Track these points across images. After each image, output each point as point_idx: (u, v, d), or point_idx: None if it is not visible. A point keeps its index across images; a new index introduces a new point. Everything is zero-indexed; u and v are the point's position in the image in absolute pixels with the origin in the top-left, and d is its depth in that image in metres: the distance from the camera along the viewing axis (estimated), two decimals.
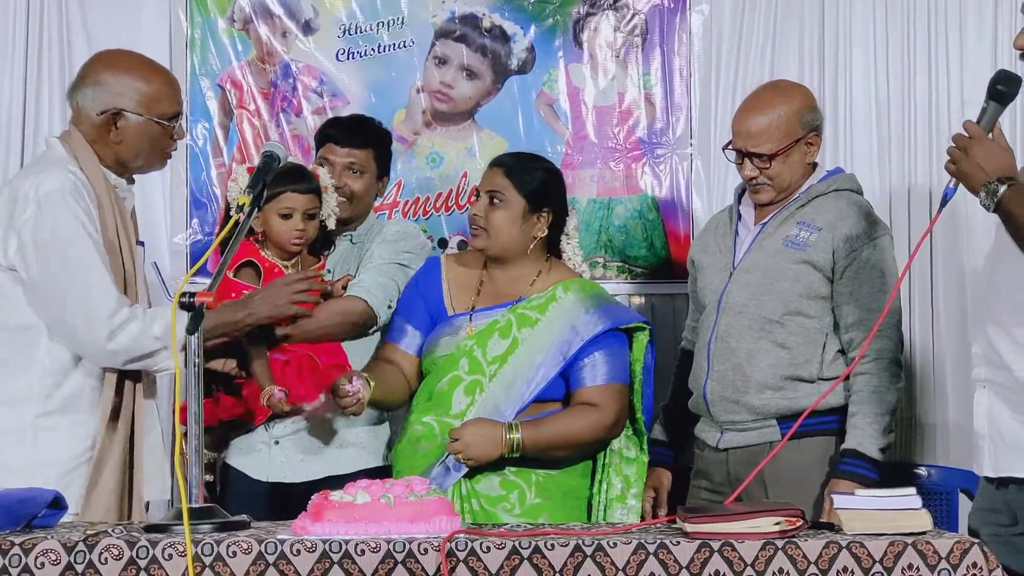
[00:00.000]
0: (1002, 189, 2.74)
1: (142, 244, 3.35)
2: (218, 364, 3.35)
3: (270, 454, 3.59)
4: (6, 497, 2.71)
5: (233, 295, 3.43)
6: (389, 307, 3.62)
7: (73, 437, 3.12)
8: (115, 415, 3.14)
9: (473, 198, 3.52)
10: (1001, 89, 2.82)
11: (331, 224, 3.60)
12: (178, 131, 3.27)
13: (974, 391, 2.98)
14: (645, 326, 3.47)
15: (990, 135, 2.81)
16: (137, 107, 3.19)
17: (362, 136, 3.79)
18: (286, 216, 3.49)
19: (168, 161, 3.36)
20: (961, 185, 2.83)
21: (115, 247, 3.16)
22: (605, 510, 3.45)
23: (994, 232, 3.00)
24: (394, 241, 3.71)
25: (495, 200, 3.42)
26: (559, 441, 3.36)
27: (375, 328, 3.65)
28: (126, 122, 3.20)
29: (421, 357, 3.51)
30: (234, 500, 3.48)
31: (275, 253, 3.54)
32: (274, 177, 3.40)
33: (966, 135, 2.80)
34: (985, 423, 2.94)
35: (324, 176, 3.59)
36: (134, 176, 3.32)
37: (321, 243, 3.64)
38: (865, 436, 3.35)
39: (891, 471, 4.11)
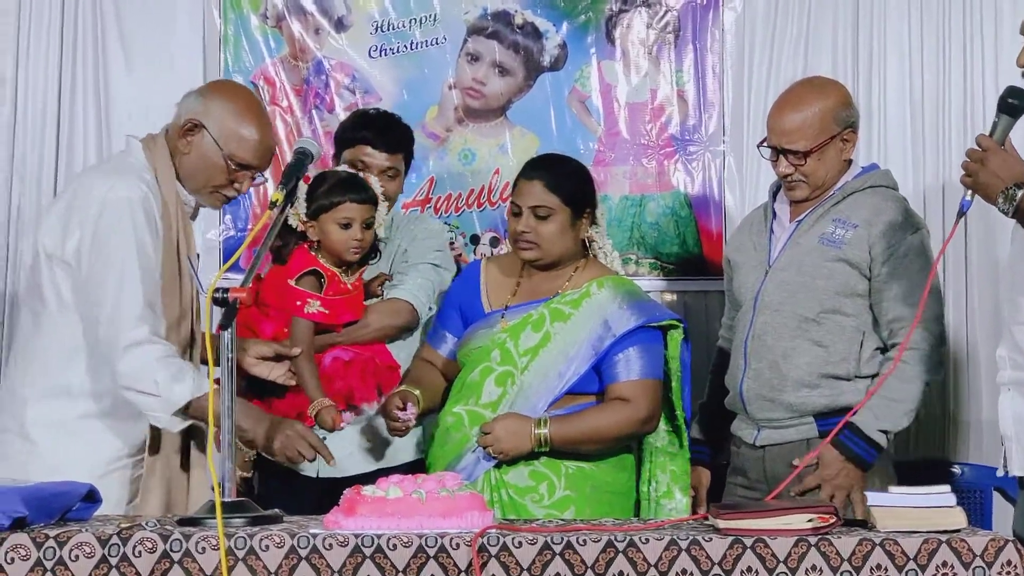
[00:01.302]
0: (1020, 193, 2.82)
1: (197, 256, 3.35)
2: (265, 370, 3.31)
3: None
4: (41, 490, 2.72)
5: (298, 303, 3.44)
6: (430, 308, 3.70)
7: (109, 442, 3.11)
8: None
9: (511, 213, 3.48)
10: (1013, 103, 2.90)
11: (381, 233, 3.58)
12: (240, 184, 3.19)
13: (999, 395, 3.00)
14: (679, 323, 3.48)
15: (1003, 147, 2.88)
16: (217, 133, 3.15)
17: (397, 140, 3.81)
18: (345, 226, 3.48)
19: (220, 207, 3.32)
20: (977, 196, 2.89)
21: (175, 263, 3.14)
22: (656, 508, 3.47)
23: (1011, 236, 3.04)
24: (424, 239, 3.76)
25: (540, 214, 3.43)
26: (589, 436, 3.38)
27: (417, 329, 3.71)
28: (200, 138, 3.16)
29: (457, 354, 3.54)
30: (282, 495, 3.48)
31: (329, 260, 3.53)
32: (331, 186, 3.46)
33: (980, 149, 2.87)
34: (1011, 424, 2.96)
35: (375, 184, 3.58)
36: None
37: (368, 250, 3.62)
38: (870, 416, 3.34)
39: (926, 468, 4.11)
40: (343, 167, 3.61)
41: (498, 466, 3.37)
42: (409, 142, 3.86)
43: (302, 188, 3.47)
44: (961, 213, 2.92)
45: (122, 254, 3.03)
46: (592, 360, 3.40)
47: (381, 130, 3.80)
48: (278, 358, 3.31)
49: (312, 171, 3.51)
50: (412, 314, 3.67)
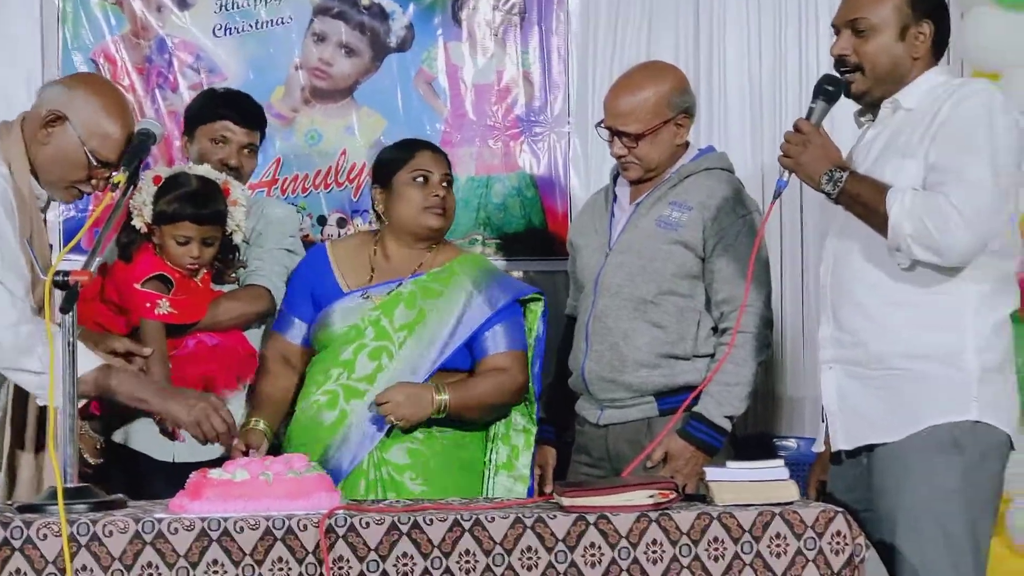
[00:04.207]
0: (845, 175, 2.94)
1: (50, 247, 3.26)
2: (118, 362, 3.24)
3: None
4: None
5: (147, 305, 3.37)
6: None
7: None
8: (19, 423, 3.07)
9: (416, 179, 3.50)
10: (829, 89, 3.04)
11: (237, 239, 3.52)
12: (96, 181, 3.11)
13: (820, 373, 3.12)
14: (540, 297, 3.58)
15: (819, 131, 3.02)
16: (81, 127, 3.06)
17: (256, 116, 3.82)
18: (183, 243, 3.42)
19: (72, 201, 3.26)
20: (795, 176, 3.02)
21: (29, 257, 3.04)
22: (494, 478, 3.53)
23: (821, 218, 3.17)
24: (278, 224, 3.74)
25: (446, 183, 3.52)
26: (478, 403, 3.45)
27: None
28: (62, 131, 3.07)
29: (311, 338, 3.55)
30: (138, 482, 3.42)
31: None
32: (175, 197, 3.38)
33: (800, 131, 3.00)
34: (835, 400, 3.07)
35: (236, 189, 3.51)
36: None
37: (226, 249, 3.55)
38: (713, 404, 3.43)
39: (759, 442, 4.22)
40: (202, 168, 3.51)
41: (381, 444, 3.39)
42: (264, 120, 3.87)
43: (151, 189, 3.39)
44: (778, 193, 3.04)
45: None
46: (464, 337, 3.47)
47: (240, 106, 3.81)
48: (128, 356, 3.26)
49: (164, 169, 3.45)
50: (271, 301, 3.65)
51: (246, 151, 3.77)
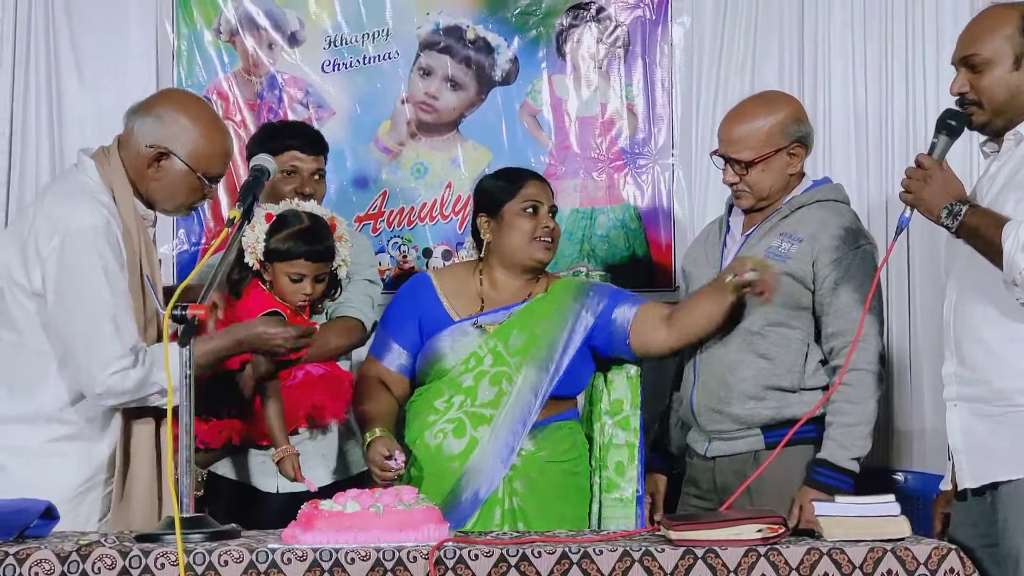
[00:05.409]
0: (964, 209, 2.91)
1: (159, 262, 3.32)
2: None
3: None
4: None
5: None
6: (374, 324, 3.77)
7: (80, 464, 3.10)
8: (128, 440, 3.13)
9: (527, 209, 3.56)
10: (952, 124, 3.02)
11: (342, 273, 3.56)
12: (210, 192, 3.24)
13: (946, 411, 3.08)
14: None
15: (941, 166, 2.99)
16: (187, 156, 3.15)
17: (320, 142, 3.92)
18: (296, 280, 3.46)
19: (187, 215, 3.37)
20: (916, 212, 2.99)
21: (137, 282, 3.13)
22: (601, 500, 3.57)
23: (945, 254, 3.16)
24: (360, 255, 3.81)
25: (552, 213, 3.60)
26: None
27: None
28: (170, 165, 3.16)
29: (418, 367, 3.59)
30: (239, 513, 3.48)
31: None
32: (290, 235, 3.43)
33: (920, 167, 2.97)
34: (960, 439, 3.03)
35: (341, 225, 3.56)
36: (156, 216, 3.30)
37: (331, 283, 3.59)
38: (836, 447, 3.38)
39: (869, 477, 4.17)
40: (309, 204, 3.56)
41: (511, 474, 3.44)
42: (326, 145, 3.96)
43: (263, 226, 3.44)
44: (900, 229, 3.02)
45: (91, 285, 3.02)
46: (578, 345, 3.53)
47: (304, 135, 3.91)
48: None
49: (273, 207, 3.51)
50: (363, 331, 3.76)
51: (315, 177, 3.86)
